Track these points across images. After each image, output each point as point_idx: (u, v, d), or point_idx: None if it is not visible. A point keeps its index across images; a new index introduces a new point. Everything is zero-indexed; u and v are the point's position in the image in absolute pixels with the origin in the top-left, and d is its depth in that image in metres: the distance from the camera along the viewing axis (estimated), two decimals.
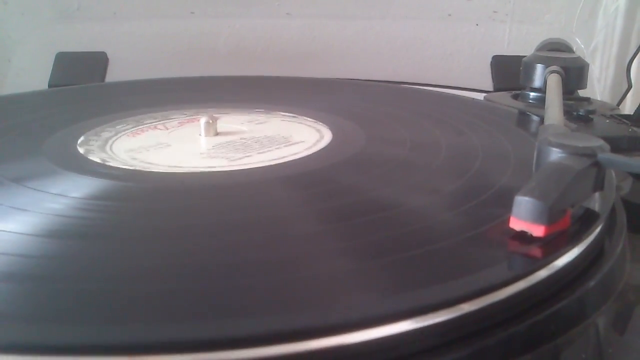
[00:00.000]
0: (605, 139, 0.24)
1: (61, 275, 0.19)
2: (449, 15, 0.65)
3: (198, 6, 0.64)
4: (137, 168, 0.30)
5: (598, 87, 0.63)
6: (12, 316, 0.17)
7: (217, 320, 0.17)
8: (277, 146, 0.34)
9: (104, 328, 0.16)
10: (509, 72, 0.54)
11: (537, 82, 0.44)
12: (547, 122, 0.30)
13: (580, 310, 0.21)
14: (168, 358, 0.16)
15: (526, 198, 0.21)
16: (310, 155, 0.32)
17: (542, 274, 0.20)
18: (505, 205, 0.22)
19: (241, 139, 0.36)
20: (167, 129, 0.38)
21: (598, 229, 0.23)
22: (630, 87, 0.55)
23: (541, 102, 0.40)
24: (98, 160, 0.31)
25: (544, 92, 0.39)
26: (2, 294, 0.18)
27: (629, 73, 0.56)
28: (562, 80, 0.41)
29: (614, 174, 0.28)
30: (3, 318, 0.17)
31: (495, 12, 0.64)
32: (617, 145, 0.31)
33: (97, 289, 0.18)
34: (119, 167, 0.30)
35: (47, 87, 0.55)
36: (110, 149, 0.34)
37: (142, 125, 0.38)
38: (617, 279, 0.23)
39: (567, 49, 0.49)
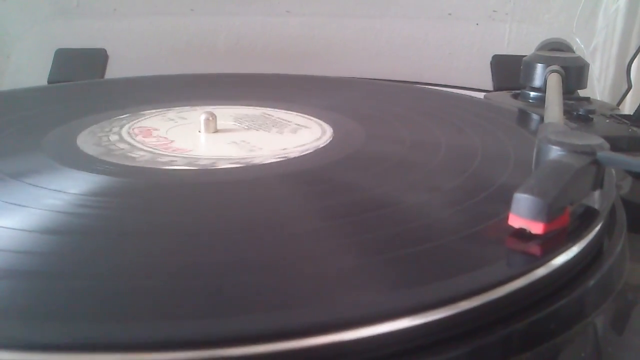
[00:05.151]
0: (605, 138, 0.24)
1: (60, 272, 0.19)
2: (449, 14, 0.65)
3: (198, 3, 0.64)
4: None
5: (598, 87, 0.63)
6: (10, 313, 0.17)
7: (216, 319, 0.17)
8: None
9: (102, 325, 0.16)
10: (509, 71, 0.54)
11: (537, 81, 0.44)
12: (547, 120, 0.30)
13: (580, 309, 0.21)
14: (167, 356, 0.16)
15: (525, 195, 0.21)
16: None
17: (541, 271, 0.20)
18: (504, 203, 0.22)
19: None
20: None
21: (597, 227, 0.23)
22: (630, 87, 0.55)
23: (541, 101, 0.40)
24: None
25: (544, 92, 0.39)
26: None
27: (629, 73, 0.56)
28: (562, 79, 0.41)
29: (614, 173, 0.28)
30: (1, 315, 0.17)
31: (495, 11, 0.64)
32: (616, 145, 0.31)
33: (96, 286, 0.18)
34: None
35: (46, 83, 0.55)
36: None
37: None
38: (617, 279, 0.23)
39: (568, 48, 0.49)
